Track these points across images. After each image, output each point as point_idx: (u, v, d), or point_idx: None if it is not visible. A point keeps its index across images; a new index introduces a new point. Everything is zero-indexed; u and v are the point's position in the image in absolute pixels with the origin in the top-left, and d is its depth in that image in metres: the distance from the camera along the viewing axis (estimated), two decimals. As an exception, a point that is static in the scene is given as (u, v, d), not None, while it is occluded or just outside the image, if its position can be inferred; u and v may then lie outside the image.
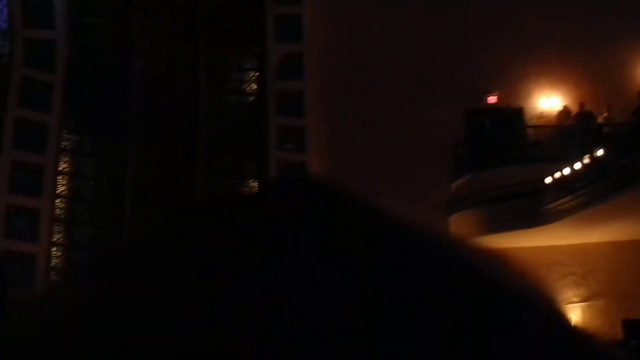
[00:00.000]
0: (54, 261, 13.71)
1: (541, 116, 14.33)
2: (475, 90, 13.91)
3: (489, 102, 14.28)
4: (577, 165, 11.55)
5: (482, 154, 13.38)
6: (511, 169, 12.56)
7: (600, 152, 11.45)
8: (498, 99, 14.17)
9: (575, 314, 12.01)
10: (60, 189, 13.97)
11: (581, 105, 13.66)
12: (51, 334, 0.36)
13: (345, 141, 13.55)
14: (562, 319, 0.42)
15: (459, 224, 12.39)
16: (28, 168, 13.37)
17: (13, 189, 13.18)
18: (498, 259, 0.43)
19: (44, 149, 13.66)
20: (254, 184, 14.77)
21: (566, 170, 11.63)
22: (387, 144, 13.34)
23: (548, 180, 11.89)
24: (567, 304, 12.10)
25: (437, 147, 13.29)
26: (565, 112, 14.02)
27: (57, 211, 13.85)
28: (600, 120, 13.44)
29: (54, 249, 13.73)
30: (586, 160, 11.58)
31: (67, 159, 14.13)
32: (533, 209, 11.62)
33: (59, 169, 13.94)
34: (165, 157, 14.72)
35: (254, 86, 15.17)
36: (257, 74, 15.12)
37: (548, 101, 14.50)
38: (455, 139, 13.55)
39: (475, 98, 13.99)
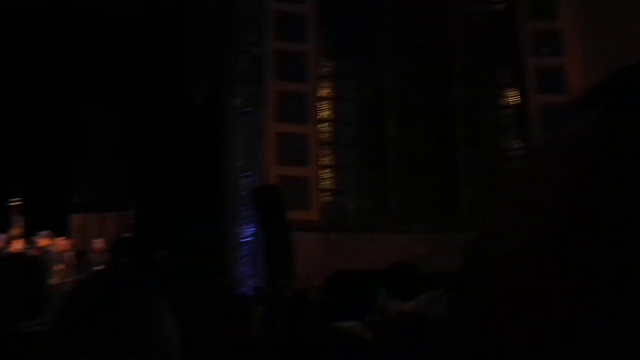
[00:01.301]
0: (324, 183, 14.71)
1: None
2: None
3: None
4: None
5: None
6: None
7: None
8: None
9: None
10: (323, 113, 14.86)
11: None
12: None
13: (601, 44, 13.08)
14: None
15: None
16: (291, 96, 14.38)
17: (280, 118, 14.25)
18: None
19: (304, 76, 14.57)
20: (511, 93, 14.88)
21: None
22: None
23: None
24: None
25: None
26: None
27: (323, 135, 14.79)
28: None
29: (323, 171, 14.70)
30: None
31: (327, 84, 14.97)
32: None
33: (320, 94, 14.82)
34: (419, 70, 15.23)
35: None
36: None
37: None
38: None
39: None
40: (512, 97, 15.83)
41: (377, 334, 4.14)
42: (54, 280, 11.87)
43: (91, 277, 1.82)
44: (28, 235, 14.82)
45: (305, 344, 4.52)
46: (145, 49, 15.25)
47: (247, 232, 14.12)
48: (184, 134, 14.89)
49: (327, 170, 15.12)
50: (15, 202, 18.39)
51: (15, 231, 16.40)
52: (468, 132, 15.83)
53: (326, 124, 15.22)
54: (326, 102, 15.24)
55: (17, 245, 12.95)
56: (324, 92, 15.22)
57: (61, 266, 13.23)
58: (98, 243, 14.92)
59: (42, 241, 13.76)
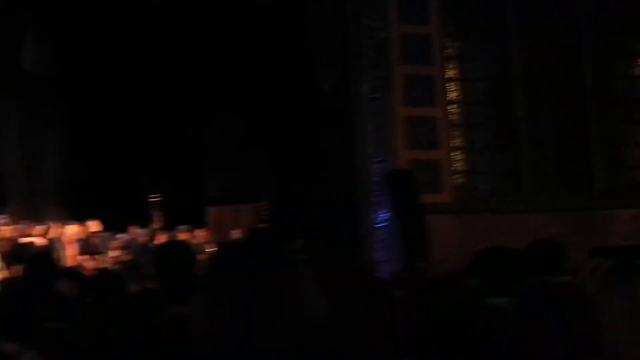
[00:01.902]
0: (456, 164, 14.75)
1: None
2: None
3: None
4: None
5: None
6: None
7: None
8: None
9: None
10: (451, 95, 14.89)
11: None
12: None
13: None
14: None
15: None
16: (418, 79, 14.47)
17: (409, 102, 14.36)
18: None
19: (430, 59, 14.62)
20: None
21: None
22: None
23: None
24: None
25: None
26: None
27: (452, 117, 14.82)
28: None
29: (454, 153, 14.74)
30: None
31: (453, 65, 14.97)
32: None
33: (447, 76, 14.83)
34: (546, 46, 15.13)
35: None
36: None
37: None
38: None
39: None
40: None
41: (526, 309, 4.11)
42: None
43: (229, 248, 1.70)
44: (167, 229, 15.39)
45: (452, 325, 4.57)
46: (270, 39, 15.61)
47: (382, 217, 14.28)
48: (314, 123, 15.17)
49: (458, 152, 15.17)
50: (154, 198, 19.17)
51: (155, 226, 17.11)
52: (598, 105, 15.56)
53: (455, 106, 15.23)
54: (453, 83, 15.26)
55: (161, 239, 13.51)
56: (451, 73, 15.25)
57: (203, 257, 13.69)
58: (235, 234, 15.37)
59: (182, 235, 14.31)
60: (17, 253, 12.63)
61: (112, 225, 14.89)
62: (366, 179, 14.47)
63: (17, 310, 4.55)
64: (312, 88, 15.20)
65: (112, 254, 13.41)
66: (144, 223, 16.85)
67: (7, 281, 11.53)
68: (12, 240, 12.86)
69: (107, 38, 16.16)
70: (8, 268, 12.39)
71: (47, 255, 6.02)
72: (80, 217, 14.46)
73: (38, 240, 12.96)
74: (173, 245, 4.79)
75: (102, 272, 7.59)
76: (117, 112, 17.17)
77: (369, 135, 14.50)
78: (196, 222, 15.81)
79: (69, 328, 3.76)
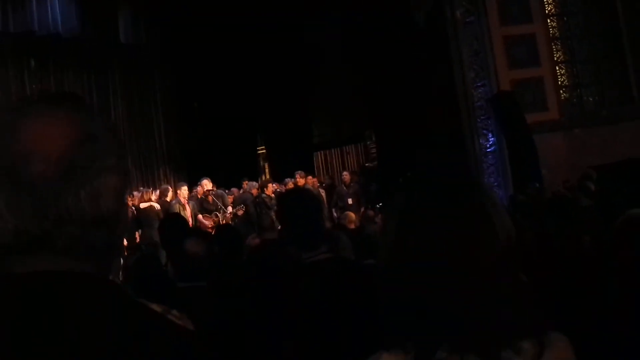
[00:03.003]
0: (560, 79, 14.43)
1: None
2: None
3: None
4: None
5: None
6: None
7: None
8: None
9: None
10: (548, 8, 14.53)
11: None
12: None
13: None
14: None
15: None
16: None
17: (505, 21, 14.08)
18: None
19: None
20: None
21: None
22: None
23: None
24: None
25: None
26: None
27: (552, 31, 14.47)
28: None
29: (557, 67, 14.42)
30: None
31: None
32: None
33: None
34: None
35: None
36: None
37: None
38: None
39: None
40: None
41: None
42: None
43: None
44: (276, 179, 15.58)
45: (582, 244, 4.50)
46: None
47: (489, 142, 14.13)
48: (411, 56, 15.05)
49: (561, 67, 14.75)
50: (261, 150, 19.50)
51: (265, 177, 17.43)
52: None
53: (553, 19, 14.80)
54: (550, -4, 14.83)
55: (271, 189, 13.73)
56: (546, -15, 14.80)
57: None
58: (345, 176, 15.49)
59: (300, 181, 14.57)
60: (138, 218, 13.12)
61: (225, 182, 15.24)
62: (470, 104, 14.31)
63: (154, 272, 4.79)
64: (405, 21, 15.05)
65: (229, 209, 13.70)
66: (254, 176, 17.21)
67: (137, 246, 12.05)
68: (131, 208, 13.28)
69: (207, 4, 16.37)
70: (132, 234, 12.89)
71: (178, 217, 6.24)
72: (193, 178, 14.85)
73: (156, 205, 13.35)
74: (296, 192, 4.85)
75: (223, 228, 7.80)
76: (220, 71, 17.45)
77: (467, 60, 14.30)
78: (304, 168, 15.99)
79: (202, 286, 3.90)
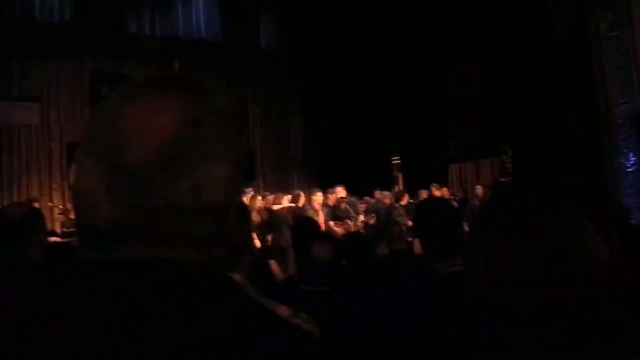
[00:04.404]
0: None
1: None
2: None
3: None
4: None
5: None
6: None
7: None
8: None
9: None
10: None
11: None
12: None
13: None
14: None
15: None
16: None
17: None
18: None
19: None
20: None
21: None
22: None
23: None
24: None
25: None
26: None
27: None
28: None
29: None
30: None
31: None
32: None
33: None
34: None
35: None
36: None
37: None
38: None
39: None
40: None
41: None
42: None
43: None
44: (411, 190, 15.49)
45: None
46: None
47: (631, 161, 13.55)
48: (551, 70, 14.66)
49: None
50: (395, 160, 19.44)
51: (399, 187, 17.36)
52: None
53: None
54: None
55: (406, 200, 13.67)
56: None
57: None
58: (479, 190, 15.30)
59: (435, 193, 14.54)
60: (271, 222, 13.27)
61: (358, 190, 15.24)
62: (611, 122, 13.76)
63: (264, 276, 4.79)
64: (547, 34, 14.68)
65: (360, 218, 13.71)
66: (387, 186, 17.15)
67: (267, 249, 12.19)
68: (263, 211, 13.48)
69: (340, 12, 16.50)
70: (263, 237, 13.06)
71: (310, 220, 6.25)
72: (326, 185, 14.92)
73: (287, 209, 13.50)
74: (434, 201, 4.76)
75: (353, 235, 7.77)
76: (355, 80, 17.53)
77: (610, 76, 13.75)
78: (438, 181, 15.84)
79: (327, 291, 3.87)
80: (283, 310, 1.64)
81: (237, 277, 1.43)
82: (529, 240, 1.35)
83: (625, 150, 13.66)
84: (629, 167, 13.65)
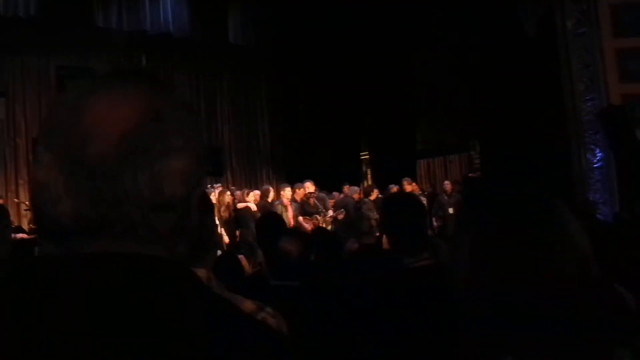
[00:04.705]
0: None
1: None
2: None
3: None
4: None
5: None
6: None
7: None
8: None
9: None
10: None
11: None
12: None
13: None
14: None
15: None
16: (626, 8, 13.70)
17: (617, 34, 13.66)
18: None
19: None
20: None
21: None
22: None
23: None
24: None
25: None
26: None
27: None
28: None
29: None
30: None
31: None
32: None
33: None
34: None
35: None
36: None
37: None
38: None
39: None
40: None
41: None
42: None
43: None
44: (379, 185, 15.51)
45: None
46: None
47: (597, 157, 13.68)
48: (519, 67, 14.77)
49: (676, 82, 14.17)
50: (364, 155, 19.45)
51: (367, 182, 17.38)
52: None
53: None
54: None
55: (375, 195, 13.69)
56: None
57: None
58: (447, 185, 15.38)
59: (407, 187, 14.63)
60: (237, 218, 13.26)
61: (327, 185, 15.23)
62: (578, 118, 13.89)
63: (235, 270, 4.78)
64: (514, 31, 14.77)
65: (329, 213, 13.71)
66: (356, 181, 17.16)
67: (237, 245, 12.18)
68: (231, 206, 13.46)
69: (308, 8, 16.47)
70: (229, 233, 13.03)
71: (275, 215, 6.23)
72: (295, 180, 14.90)
73: (252, 206, 13.49)
74: (401, 197, 4.77)
75: (321, 230, 7.77)
76: (324, 76, 17.50)
77: (577, 73, 13.87)
78: (407, 176, 15.87)
79: (294, 286, 3.86)
80: (249, 305, 1.62)
81: (201, 272, 1.41)
82: (515, 236, 1.38)
83: (591, 147, 13.79)
84: (595, 163, 13.77)
